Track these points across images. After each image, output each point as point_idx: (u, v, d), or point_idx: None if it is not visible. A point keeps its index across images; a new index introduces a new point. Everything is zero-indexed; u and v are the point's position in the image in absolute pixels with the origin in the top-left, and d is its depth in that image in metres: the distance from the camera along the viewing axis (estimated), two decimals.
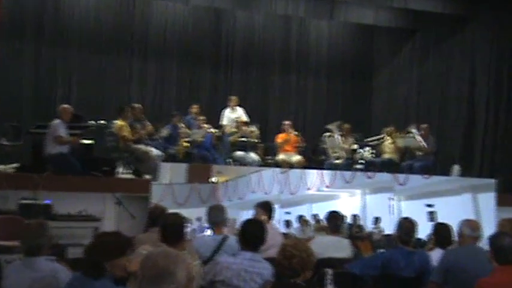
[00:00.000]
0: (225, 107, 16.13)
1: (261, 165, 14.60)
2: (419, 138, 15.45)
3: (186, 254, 5.18)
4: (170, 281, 3.67)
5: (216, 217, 7.51)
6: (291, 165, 14.85)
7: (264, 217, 8.13)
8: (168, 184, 12.61)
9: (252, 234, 5.84)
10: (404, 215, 9.94)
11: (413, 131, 15.57)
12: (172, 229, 5.96)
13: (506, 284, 5.61)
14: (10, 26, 15.56)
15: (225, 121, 15.86)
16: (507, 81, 16.52)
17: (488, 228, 8.72)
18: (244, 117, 15.83)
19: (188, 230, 11.87)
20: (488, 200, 14.16)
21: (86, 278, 4.53)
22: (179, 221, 6.13)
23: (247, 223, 6.09)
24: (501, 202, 13.97)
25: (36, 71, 16.73)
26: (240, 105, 16.19)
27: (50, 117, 12.69)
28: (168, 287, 3.66)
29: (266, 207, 8.53)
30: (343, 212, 10.25)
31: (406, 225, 7.54)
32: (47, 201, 10.94)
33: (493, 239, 5.94)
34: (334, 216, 9.06)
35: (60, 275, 5.15)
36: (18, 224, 10.09)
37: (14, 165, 12.52)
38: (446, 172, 15.47)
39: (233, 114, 15.92)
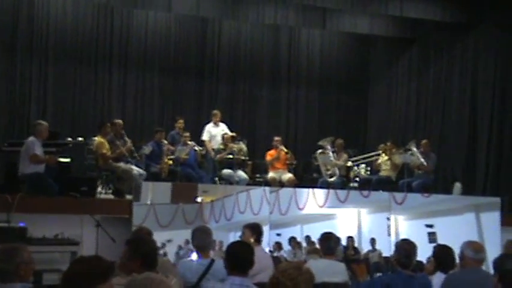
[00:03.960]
0: (207, 122, 16.19)
1: (249, 184, 14.66)
2: (419, 155, 15.55)
3: (172, 279, 5.19)
4: None
5: (202, 240, 7.51)
6: (281, 184, 14.93)
7: (252, 239, 8.20)
8: (151, 204, 12.62)
9: (240, 257, 5.85)
10: (403, 237, 10.01)
11: (414, 149, 15.67)
12: (154, 255, 5.98)
13: None
14: None
15: (205, 137, 15.88)
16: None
17: (493, 250, 8.81)
18: (230, 133, 15.86)
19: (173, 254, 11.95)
20: (492, 219, 14.21)
21: None
22: (155, 246, 6.19)
23: (234, 245, 6.12)
24: (506, 222, 14.00)
25: (9, 84, 16.67)
26: (223, 121, 16.25)
27: (23, 134, 12.72)
28: None
29: (254, 229, 8.57)
30: (337, 233, 10.32)
31: (405, 248, 7.54)
32: (21, 224, 10.95)
33: (498, 262, 5.97)
34: (328, 238, 9.08)
35: None
36: None
37: None
38: (447, 190, 15.58)
39: (216, 130, 15.97)
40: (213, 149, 15.49)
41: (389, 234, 13.70)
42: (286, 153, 15.88)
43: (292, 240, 13.28)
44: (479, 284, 6.54)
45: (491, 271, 6.25)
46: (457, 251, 7.32)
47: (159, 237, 10.83)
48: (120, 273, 5.68)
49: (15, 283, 5.35)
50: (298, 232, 13.44)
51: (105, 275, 4.55)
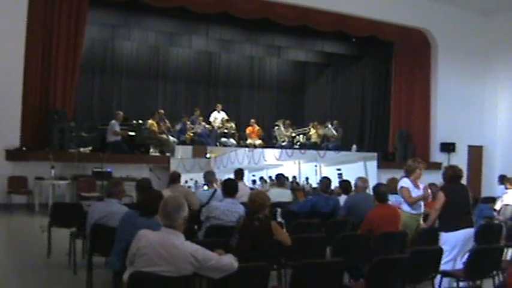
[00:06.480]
0: (213, 110, 16.04)
1: (237, 147, 14.64)
2: (332, 130, 15.66)
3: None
4: (179, 214, 3.70)
5: (210, 178, 7.62)
6: (255, 146, 14.93)
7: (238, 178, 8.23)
8: (180, 158, 12.63)
9: (230, 187, 5.89)
10: (324, 175, 10.08)
11: (329, 125, 15.77)
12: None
13: (381, 214, 5.77)
14: (85, 62, 14.62)
15: (212, 119, 15.69)
16: (383, 96, 17.02)
17: (372, 182, 8.90)
18: (226, 117, 15.80)
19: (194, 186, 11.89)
20: (372, 165, 14.46)
21: (134, 213, 4.61)
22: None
23: (226, 181, 6.15)
24: (380, 166, 14.42)
25: (101, 91, 16.33)
26: (223, 110, 16.12)
27: (109, 118, 12.68)
28: (178, 216, 3.69)
29: (239, 172, 8.60)
30: (287, 174, 10.38)
31: (325, 181, 7.65)
32: (108, 169, 11.03)
33: (374, 188, 6.08)
34: (281, 177, 9.19)
35: (122, 210, 5.24)
36: (92, 183, 10.44)
37: (89, 148, 12.49)
38: (348, 149, 15.65)
39: (218, 115, 15.84)
40: (216, 127, 15.41)
41: (316, 174, 13.83)
42: (258, 129, 15.92)
43: (261, 178, 13.35)
44: (365, 200, 6.63)
45: (372, 193, 6.35)
46: (353, 183, 7.42)
47: (185, 177, 10.91)
48: None
49: (112, 199, 5.47)
50: (265, 174, 13.51)
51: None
